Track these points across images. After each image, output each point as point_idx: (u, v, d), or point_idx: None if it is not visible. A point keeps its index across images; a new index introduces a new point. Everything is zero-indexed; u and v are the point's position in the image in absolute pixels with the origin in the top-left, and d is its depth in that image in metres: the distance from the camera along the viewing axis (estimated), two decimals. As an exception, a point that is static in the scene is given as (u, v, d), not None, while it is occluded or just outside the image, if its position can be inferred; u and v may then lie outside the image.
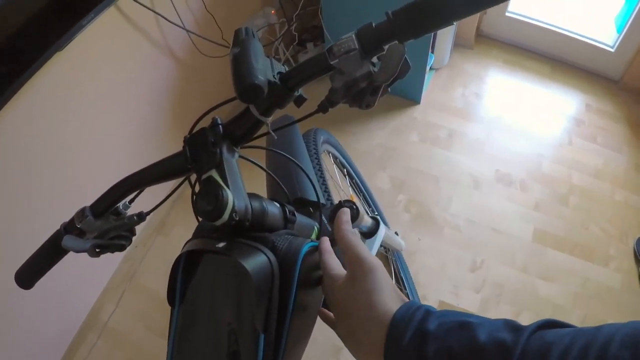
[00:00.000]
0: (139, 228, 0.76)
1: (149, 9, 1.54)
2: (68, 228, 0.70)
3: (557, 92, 2.37)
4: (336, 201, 1.04)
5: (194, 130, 0.63)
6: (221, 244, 0.57)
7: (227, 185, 0.55)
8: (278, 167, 0.96)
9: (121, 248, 0.74)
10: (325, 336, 1.72)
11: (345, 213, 0.60)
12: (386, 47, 0.53)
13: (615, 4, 2.36)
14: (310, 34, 2.45)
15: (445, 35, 2.25)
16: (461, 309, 1.72)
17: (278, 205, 0.68)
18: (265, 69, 0.56)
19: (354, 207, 0.85)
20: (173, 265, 0.61)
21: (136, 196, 0.75)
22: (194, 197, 0.55)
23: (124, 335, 1.85)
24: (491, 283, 1.81)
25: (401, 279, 1.67)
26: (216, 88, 2.09)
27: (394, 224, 1.94)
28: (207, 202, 0.53)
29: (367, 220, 0.99)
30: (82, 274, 1.75)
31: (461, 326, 0.42)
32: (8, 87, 1.14)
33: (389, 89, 0.57)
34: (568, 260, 1.85)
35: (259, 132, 0.65)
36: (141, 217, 0.74)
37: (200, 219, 0.68)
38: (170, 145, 1.83)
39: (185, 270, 0.61)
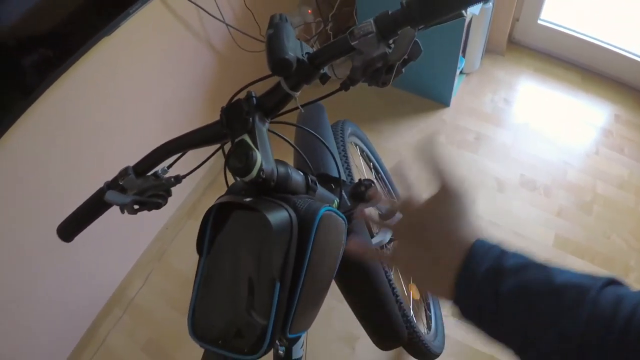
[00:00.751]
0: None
1: (191, 1, 1.63)
2: (111, 185, 0.78)
3: (587, 101, 2.37)
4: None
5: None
6: (248, 199, 0.64)
7: (257, 148, 0.63)
8: (305, 145, 1.03)
9: (157, 206, 0.81)
10: (342, 322, 1.77)
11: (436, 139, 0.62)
12: (399, 31, 0.60)
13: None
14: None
15: (477, 40, 2.28)
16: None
17: (302, 174, 0.74)
18: (296, 48, 0.63)
19: (372, 184, 0.91)
20: (203, 218, 0.67)
21: (175, 161, 0.83)
22: (227, 158, 0.62)
23: (148, 313, 1.93)
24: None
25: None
26: (249, 81, 2.17)
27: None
28: (239, 160, 0.60)
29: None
30: (112, 251, 1.84)
31: (538, 267, 0.43)
32: (59, 66, 1.24)
33: (403, 70, 0.63)
34: (587, 268, 1.85)
35: (288, 107, 0.72)
36: (178, 179, 0.82)
37: (229, 184, 0.75)
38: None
39: (215, 224, 0.68)
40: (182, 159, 0.84)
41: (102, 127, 1.57)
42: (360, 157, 1.54)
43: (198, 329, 0.65)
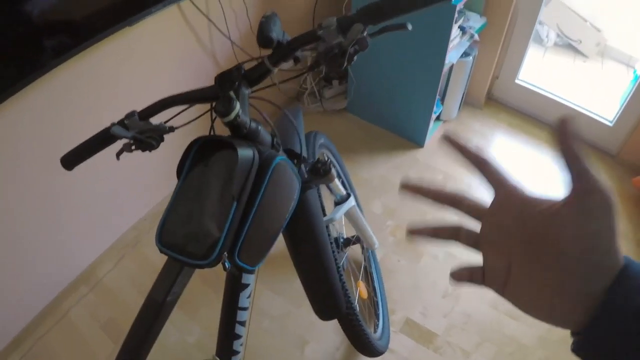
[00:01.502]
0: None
1: (204, 14, 1.84)
2: (117, 123, 0.93)
3: (554, 158, 2.57)
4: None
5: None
6: (226, 136, 0.83)
7: (238, 101, 0.81)
8: (279, 124, 1.20)
9: (151, 147, 0.95)
10: (295, 325, 1.89)
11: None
12: (352, 26, 0.78)
13: (624, 83, 2.58)
14: (337, 72, 2.75)
15: (456, 91, 2.51)
16: (426, 329, 1.86)
17: (270, 135, 0.92)
18: (279, 33, 0.82)
19: (328, 162, 1.08)
20: (187, 147, 0.84)
21: (173, 117, 0.98)
22: (215, 104, 0.80)
23: (113, 294, 2.02)
24: (460, 311, 1.94)
25: (370, 274, 1.85)
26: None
27: (379, 247, 2.13)
28: (223, 105, 0.79)
29: (339, 188, 1.23)
30: (90, 230, 1.96)
31: None
32: (84, 41, 1.42)
33: (355, 58, 0.82)
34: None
35: (268, 84, 0.91)
36: (172, 129, 0.97)
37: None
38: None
39: (194, 158, 0.84)
40: (175, 119, 1.00)
41: (107, 108, 1.74)
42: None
43: (163, 237, 0.80)
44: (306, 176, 1.05)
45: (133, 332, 0.87)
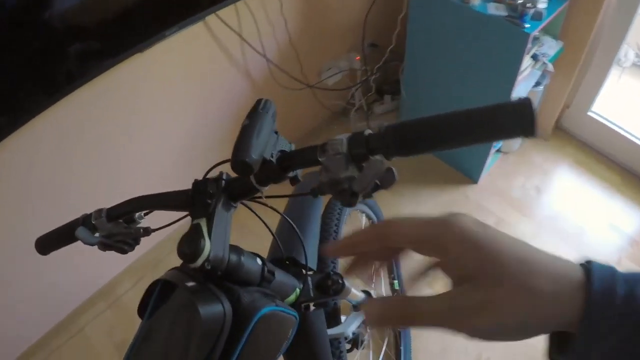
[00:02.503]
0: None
1: (235, 31, 1.66)
2: (85, 221, 0.79)
3: (621, 205, 2.25)
4: (340, 267, 1.09)
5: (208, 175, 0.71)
6: (191, 283, 0.64)
7: (210, 236, 0.62)
8: (286, 223, 1.02)
9: (123, 252, 0.82)
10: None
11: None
12: (370, 159, 0.56)
13: None
14: (391, 86, 2.51)
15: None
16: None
17: (260, 262, 0.73)
18: (265, 147, 0.61)
19: (340, 281, 0.88)
20: (150, 285, 0.68)
21: (150, 212, 0.84)
22: (180, 240, 0.63)
23: (130, 314, 1.95)
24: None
25: (399, 344, 1.66)
26: (282, 119, 2.17)
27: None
28: (187, 246, 0.61)
29: (356, 295, 1.02)
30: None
31: None
32: (88, 71, 1.31)
33: (373, 195, 0.61)
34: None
35: (255, 196, 0.71)
36: (147, 232, 0.82)
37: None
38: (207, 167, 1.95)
39: (162, 290, 0.68)
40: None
41: (129, 131, 1.64)
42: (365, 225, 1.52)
43: None
44: (311, 294, 0.86)
45: None
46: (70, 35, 1.23)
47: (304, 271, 0.89)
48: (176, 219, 0.85)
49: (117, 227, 0.80)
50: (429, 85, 2.12)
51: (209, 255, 0.61)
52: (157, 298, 0.70)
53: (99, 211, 0.79)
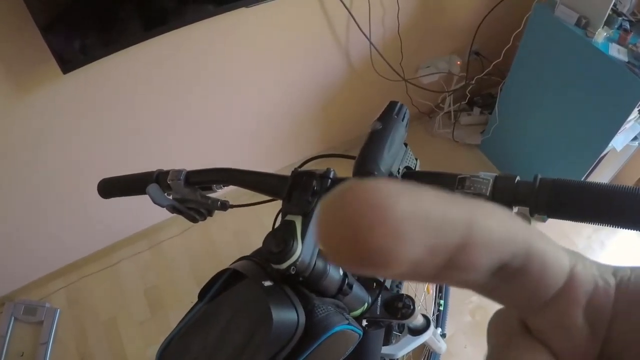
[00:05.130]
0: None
1: (345, 6, 1.58)
2: (159, 178, 0.74)
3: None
4: (404, 289, 1.02)
5: (304, 167, 0.64)
6: (267, 283, 0.59)
7: (303, 238, 0.55)
8: None
9: (193, 220, 0.77)
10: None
11: None
12: (515, 209, 0.49)
13: None
14: (483, 99, 2.36)
15: (602, 175, 2.05)
16: None
17: (341, 274, 0.66)
18: (394, 160, 0.54)
19: (412, 306, 0.81)
20: (220, 272, 0.64)
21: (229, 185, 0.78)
22: (267, 235, 0.56)
23: (167, 262, 1.97)
24: None
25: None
26: (371, 109, 2.08)
27: (452, 322, 1.83)
28: (276, 243, 0.54)
29: (418, 319, 0.95)
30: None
31: None
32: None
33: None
34: None
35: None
36: (224, 206, 0.77)
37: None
38: (290, 139, 1.93)
39: (229, 278, 0.64)
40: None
41: (210, 88, 1.60)
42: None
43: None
44: (378, 312, 0.79)
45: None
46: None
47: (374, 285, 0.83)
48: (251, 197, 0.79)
49: (193, 193, 0.75)
50: (525, 110, 1.97)
51: (297, 259, 0.55)
52: (222, 284, 0.66)
53: (177, 172, 0.73)
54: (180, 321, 0.66)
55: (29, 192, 1.54)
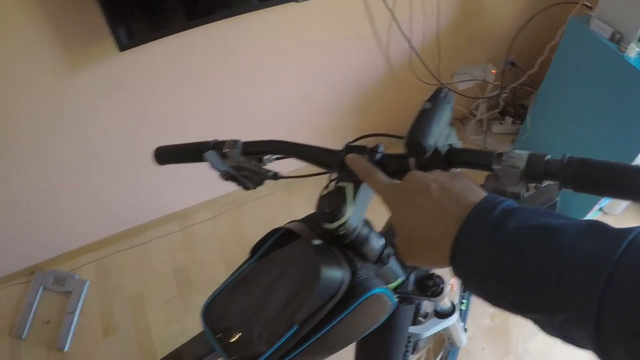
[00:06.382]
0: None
1: (388, 8, 1.64)
2: (216, 146, 0.81)
3: None
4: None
5: (357, 142, 0.69)
6: (317, 242, 0.64)
7: (353, 203, 0.61)
8: None
9: (245, 187, 0.83)
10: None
11: None
12: (545, 183, 0.54)
13: None
14: (515, 109, 2.39)
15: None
16: None
17: (383, 243, 0.71)
18: (441, 135, 0.59)
19: (441, 285, 0.85)
20: (273, 230, 0.70)
21: (285, 158, 0.84)
22: (321, 195, 0.62)
23: (197, 245, 2.03)
24: None
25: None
26: (405, 109, 2.12)
27: (472, 323, 1.86)
28: (329, 204, 0.60)
29: (445, 302, 0.99)
30: (201, 176, 1.89)
31: (543, 233, 0.38)
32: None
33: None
34: None
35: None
36: (275, 176, 0.83)
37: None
38: (327, 132, 1.99)
39: (279, 238, 0.69)
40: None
41: (257, 69, 1.67)
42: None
43: (209, 313, 0.68)
44: (409, 288, 0.84)
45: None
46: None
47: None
48: (297, 169, 0.85)
49: (249, 162, 0.81)
50: (556, 122, 1.99)
51: (347, 221, 0.61)
52: (273, 243, 0.71)
53: (234, 142, 0.79)
54: (230, 276, 0.72)
55: (78, 167, 1.63)
